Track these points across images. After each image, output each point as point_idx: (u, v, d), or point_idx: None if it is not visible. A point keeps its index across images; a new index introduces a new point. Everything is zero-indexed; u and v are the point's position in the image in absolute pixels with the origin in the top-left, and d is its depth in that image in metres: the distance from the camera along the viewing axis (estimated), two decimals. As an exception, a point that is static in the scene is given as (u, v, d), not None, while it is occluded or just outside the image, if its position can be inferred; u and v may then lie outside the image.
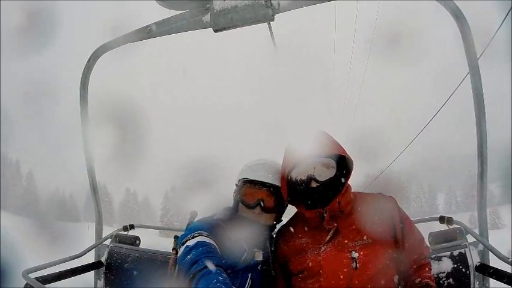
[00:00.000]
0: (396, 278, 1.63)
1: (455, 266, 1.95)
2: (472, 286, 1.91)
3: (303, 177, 1.69)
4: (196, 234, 1.83)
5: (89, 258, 2.40)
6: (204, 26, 2.03)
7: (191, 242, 1.80)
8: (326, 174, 1.67)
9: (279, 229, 1.95)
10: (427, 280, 1.61)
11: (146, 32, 2.14)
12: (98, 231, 2.49)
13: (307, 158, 1.68)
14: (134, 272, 2.36)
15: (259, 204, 1.84)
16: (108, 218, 56.74)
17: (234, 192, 2.03)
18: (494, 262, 1.91)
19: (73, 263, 2.22)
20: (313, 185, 1.67)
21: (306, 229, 1.77)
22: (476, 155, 1.94)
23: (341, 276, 1.55)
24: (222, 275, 1.58)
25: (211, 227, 1.88)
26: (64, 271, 2.10)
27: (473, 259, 1.93)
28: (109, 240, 2.53)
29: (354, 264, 1.55)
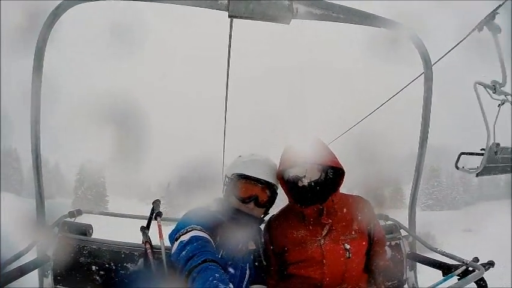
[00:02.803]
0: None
1: (393, 253, 2.48)
2: (404, 269, 2.47)
3: (294, 176, 1.91)
4: (190, 229, 1.78)
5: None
6: (218, 8, 1.90)
7: (185, 237, 1.74)
8: (314, 177, 1.92)
9: (271, 220, 2.09)
10: (388, 263, 2.07)
11: None
12: (41, 219, 2.04)
13: (302, 161, 1.89)
14: (93, 267, 2.05)
15: (253, 199, 1.92)
16: (16, 185, 48.50)
17: (225, 184, 2.04)
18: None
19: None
20: (300, 184, 1.91)
21: (302, 223, 1.97)
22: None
23: (339, 264, 1.87)
24: (218, 271, 1.57)
25: (207, 219, 1.86)
26: (5, 274, 1.67)
27: (405, 248, 2.49)
28: (56, 229, 2.12)
29: (347, 254, 1.87)
